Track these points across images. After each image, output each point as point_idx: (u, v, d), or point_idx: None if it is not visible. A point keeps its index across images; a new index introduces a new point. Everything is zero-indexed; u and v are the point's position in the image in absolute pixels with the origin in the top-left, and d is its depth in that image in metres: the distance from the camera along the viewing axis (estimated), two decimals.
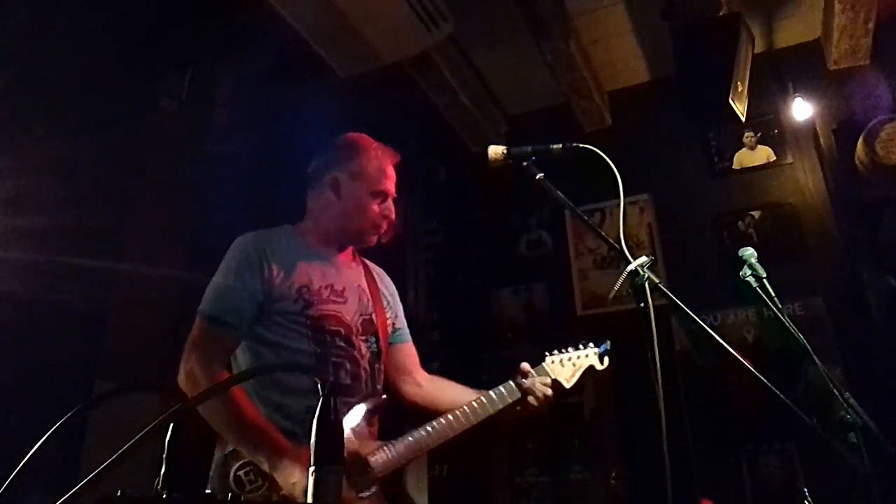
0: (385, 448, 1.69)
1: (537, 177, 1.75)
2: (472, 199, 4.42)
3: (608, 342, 2.03)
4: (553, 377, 1.99)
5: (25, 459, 0.78)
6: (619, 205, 1.63)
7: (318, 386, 0.84)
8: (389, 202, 1.99)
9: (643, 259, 1.51)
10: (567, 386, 1.99)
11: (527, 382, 1.93)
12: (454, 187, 4.56)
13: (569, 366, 2.02)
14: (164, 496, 0.81)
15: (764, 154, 3.83)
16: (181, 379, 1.63)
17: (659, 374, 1.36)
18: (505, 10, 3.41)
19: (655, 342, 1.37)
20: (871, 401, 1.79)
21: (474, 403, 1.84)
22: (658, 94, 4.09)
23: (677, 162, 4.00)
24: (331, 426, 0.81)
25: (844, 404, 1.65)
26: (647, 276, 1.47)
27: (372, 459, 1.64)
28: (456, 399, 1.89)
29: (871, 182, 3.43)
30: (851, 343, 3.24)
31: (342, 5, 2.93)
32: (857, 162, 3.48)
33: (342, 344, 1.79)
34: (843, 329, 3.29)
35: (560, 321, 3.99)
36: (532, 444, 3.80)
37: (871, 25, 3.37)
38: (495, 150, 1.82)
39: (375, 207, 1.93)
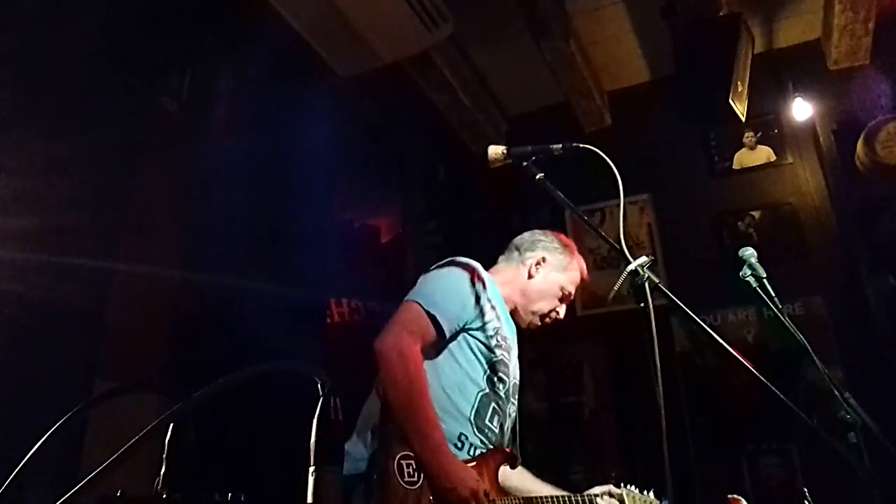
0: (508, 500, 1.75)
1: (537, 177, 1.75)
2: (472, 199, 4.42)
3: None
4: None
5: (25, 459, 0.78)
6: (619, 205, 1.63)
7: (319, 386, 0.83)
8: (566, 305, 2.11)
9: (643, 259, 1.50)
10: None
11: None
12: (454, 187, 4.56)
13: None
14: (164, 496, 0.81)
15: (764, 154, 3.83)
16: (384, 347, 1.68)
17: (659, 374, 1.36)
18: (505, 10, 3.42)
19: (655, 342, 1.37)
20: (871, 401, 1.79)
21: (567, 499, 1.89)
22: (658, 94, 4.09)
23: (677, 162, 4.01)
24: (331, 426, 0.81)
25: (844, 404, 1.65)
26: (647, 276, 1.46)
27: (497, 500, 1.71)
28: (534, 488, 1.92)
29: (871, 182, 3.43)
30: (851, 343, 3.24)
31: (342, 5, 2.93)
32: (857, 162, 3.48)
33: (502, 394, 1.89)
34: (843, 329, 3.29)
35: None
36: (532, 444, 3.80)
37: (871, 25, 3.37)
38: (495, 150, 1.81)
39: (557, 302, 2.07)
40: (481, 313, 1.87)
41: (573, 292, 2.11)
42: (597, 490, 1.94)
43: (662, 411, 1.33)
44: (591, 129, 4.19)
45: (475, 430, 1.79)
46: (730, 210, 3.79)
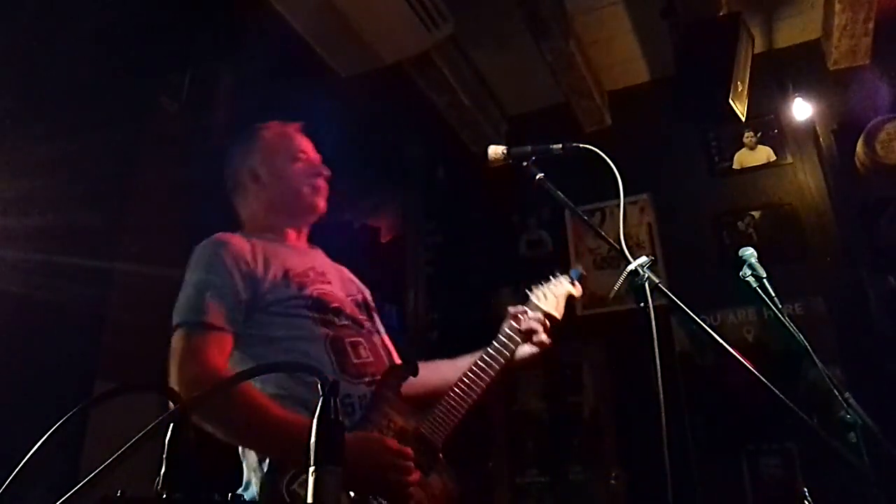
0: (428, 418, 1.56)
1: (537, 177, 1.75)
2: (472, 199, 4.42)
3: (579, 267, 2.11)
4: (546, 310, 1.92)
5: (25, 459, 0.78)
6: (619, 205, 1.63)
7: (319, 386, 0.83)
8: (311, 161, 1.86)
9: (643, 259, 1.51)
10: (558, 316, 1.93)
11: (524, 323, 1.84)
12: (454, 187, 4.56)
13: (551, 297, 1.97)
14: (164, 496, 0.81)
15: (764, 154, 3.83)
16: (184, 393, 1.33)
17: (659, 374, 1.36)
18: (505, 10, 3.42)
19: (655, 342, 1.37)
20: (871, 401, 1.79)
21: (480, 362, 1.72)
22: (658, 94, 4.09)
23: (677, 162, 4.01)
24: (331, 426, 0.81)
25: (844, 404, 1.65)
26: (647, 276, 1.47)
27: (423, 431, 1.52)
28: (449, 372, 1.74)
29: (871, 182, 3.43)
30: (851, 343, 3.24)
31: (342, 5, 2.93)
32: (857, 162, 3.48)
33: (348, 322, 1.64)
34: (843, 329, 3.29)
35: (560, 321, 3.99)
36: (532, 444, 3.80)
37: (871, 25, 3.37)
38: (495, 150, 1.82)
39: (299, 168, 1.82)
40: (259, 276, 1.56)
41: (298, 147, 1.87)
42: (502, 328, 1.84)
43: (662, 411, 1.34)
44: (591, 129, 4.19)
45: (351, 378, 1.52)
46: (730, 210, 3.79)
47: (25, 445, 0.81)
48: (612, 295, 1.86)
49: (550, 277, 2.04)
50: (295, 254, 1.74)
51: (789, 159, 3.76)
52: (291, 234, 1.83)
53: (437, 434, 1.55)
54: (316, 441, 0.80)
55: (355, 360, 1.56)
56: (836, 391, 1.67)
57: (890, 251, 3.28)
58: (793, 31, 3.82)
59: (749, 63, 3.15)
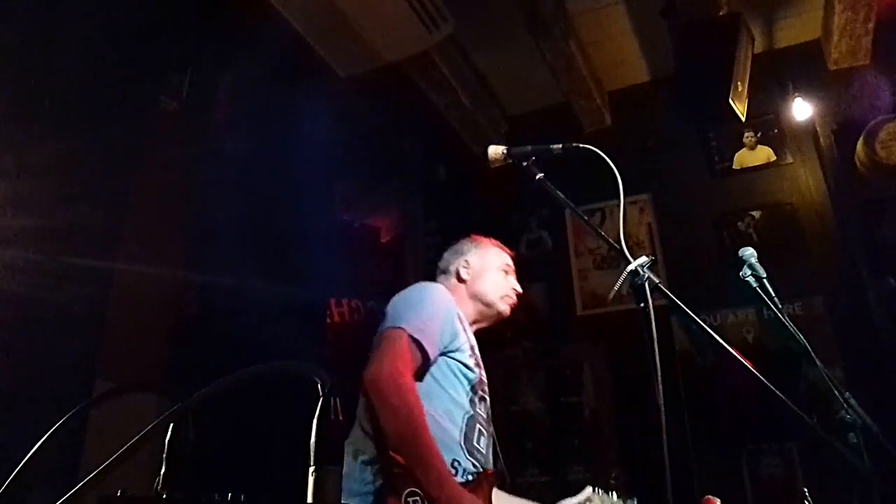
0: None
1: (537, 177, 1.75)
2: (472, 199, 4.42)
3: (635, 501, 2.05)
4: None
5: (25, 459, 0.78)
6: (619, 205, 1.63)
7: (319, 386, 0.83)
8: (513, 277, 2.14)
9: (643, 259, 1.51)
10: None
11: None
12: (454, 187, 4.56)
13: None
14: (164, 496, 0.81)
15: (764, 154, 3.83)
16: (380, 378, 1.62)
17: (659, 374, 1.36)
18: (505, 10, 3.42)
19: (655, 342, 1.37)
20: (871, 401, 1.79)
21: None
22: (658, 94, 4.09)
23: (677, 162, 4.01)
24: (331, 426, 0.81)
25: (844, 404, 1.65)
26: (647, 276, 1.47)
27: None
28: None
29: (871, 182, 3.43)
30: (851, 343, 3.24)
31: (342, 5, 2.93)
32: (857, 162, 3.48)
33: (484, 413, 1.89)
34: (843, 329, 3.29)
35: (560, 321, 4.00)
36: (532, 444, 3.80)
37: (871, 25, 3.37)
38: (495, 150, 1.82)
39: (501, 277, 2.10)
40: (458, 334, 1.86)
41: (509, 262, 2.16)
42: (576, 499, 1.95)
43: (662, 411, 1.33)
44: (591, 129, 4.19)
45: (466, 454, 1.76)
46: (730, 210, 3.79)
47: (25, 445, 0.81)
48: (612, 295, 1.86)
49: (617, 496, 2.07)
50: (473, 337, 2.01)
51: (789, 159, 3.76)
52: (473, 327, 2.07)
53: None
54: (316, 441, 0.80)
55: (475, 444, 1.80)
56: (836, 391, 1.67)
57: (890, 251, 3.28)
58: (793, 31, 3.82)
59: (749, 63, 3.16)
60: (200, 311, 2.99)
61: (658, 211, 3.95)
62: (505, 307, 2.07)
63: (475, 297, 2.06)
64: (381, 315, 1.93)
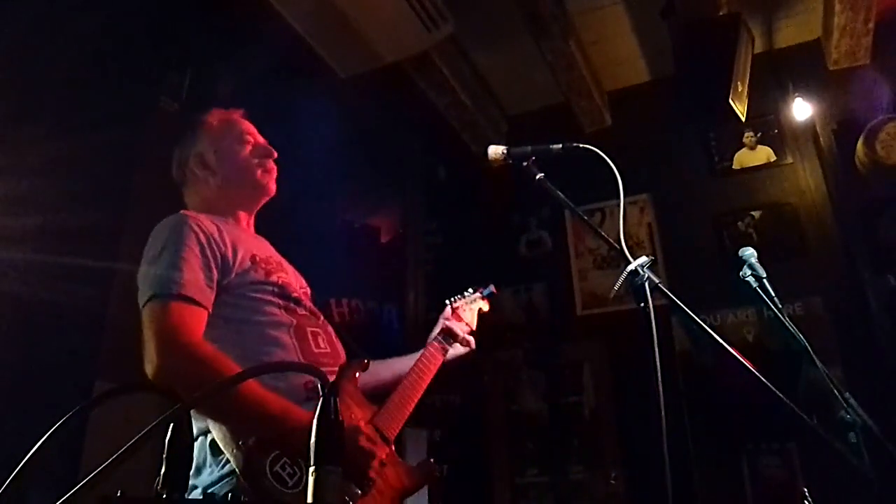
0: (381, 412, 1.60)
1: (537, 177, 1.75)
2: (472, 199, 4.43)
3: (492, 286, 2.22)
4: (466, 320, 2.09)
5: (25, 459, 0.78)
6: (619, 205, 1.63)
7: (319, 386, 0.84)
8: (258, 143, 1.86)
9: (643, 259, 1.51)
10: (473, 327, 2.10)
11: (456, 328, 2.00)
12: (454, 187, 4.56)
13: (468, 311, 2.12)
14: (164, 496, 0.81)
15: (764, 154, 3.83)
16: (164, 371, 1.34)
17: (659, 374, 1.36)
18: (505, 10, 3.42)
19: (655, 342, 1.37)
20: (871, 401, 1.79)
21: (424, 360, 1.85)
22: (658, 94, 4.10)
23: (677, 162, 4.01)
24: (331, 426, 0.81)
25: (844, 404, 1.65)
26: (647, 276, 1.47)
27: (378, 424, 1.56)
28: (397, 367, 1.85)
29: (871, 182, 3.43)
30: (851, 343, 3.24)
31: (342, 5, 2.93)
32: (857, 162, 3.48)
33: (306, 312, 1.65)
34: (843, 329, 3.29)
35: (560, 321, 4.00)
36: (532, 444, 3.80)
37: (871, 25, 3.37)
38: (495, 150, 1.82)
39: (247, 150, 1.81)
40: (224, 257, 1.55)
41: (241, 129, 1.86)
42: (432, 336, 1.98)
43: (662, 411, 1.34)
44: (591, 129, 4.19)
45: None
46: (730, 210, 3.79)
47: (25, 445, 0.81)
48: (612, 295, 1.86)
49: (466, 293, 2.18)
50: (253, 239, 1.76)
51: (789, 159, 3.76)
52: (243, 217, 1.82)
53: (391, 427, 1.59)
54: (316, 441, 0.80)
55: (315, 350, 1.58)
56: (836, 391, 1.67)
57: (890, 251, 3.28)
58: (793, 31, 3.82)
59: (749, 63, 3.16)
60: None
61: (658, 211, 3.95)
62: (264, 182, 1.82)
63: (228, 188, 1.77)
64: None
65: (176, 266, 1.45)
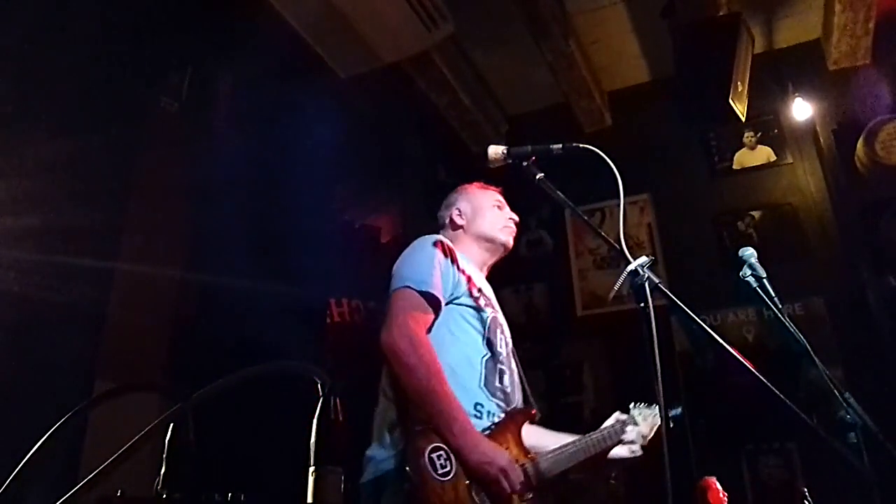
0: (537, 459, 1.77)
1: (537, 177, 1.75)
2: None
3: (680, 409, 2.15)
4: (644, 433, 2.06)
5: (25, 459, 0.78)
6: (619, 205, 1.63)
7: (319, 386, 0.84)
8: (507, 208, 2.17)
9: (643, 259, 1.51)
10: (646, 442, 2.05)
11: (628, 435, 2.02)
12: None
13: (645, 424, 2.09)
14: (164, 496, 0.81)
15: (764, 154, 3.83)
16: (394, 340, 1.65)
17: (659, 374, 1.36)
18: (505, 10, 3.42)
19: (655, 342, 1.37)
20: (871, 401, 1.79)
21: (586, 442, 1.93)
22: (658, 94, 4.09)
23: (677, 162, 4.01)
24: (331, 426, 0.81)
25: (844, 404, 1.65)
26: (647, 276, 1.47)
27: (527, 468, 1.72)
28: (548, 440, 1.93)
29: (871, 182, 3.43)
30: (851, 343, 3.24)
31: (342, 5, 2.93)
32: (857, 162, 3.48)
33: (503, 352, 1.89)
34: (843, 329, 3.29)
35: (560, 321, 3.99)
36: None
37: (871, 25, 3.37)
38: (495, 150, 1.82)
39: (496, 211, 2.13)
40: (461, 278, 1.86)
41: (498, 197, 2.19)
42: (608, 422, 2.03)
43: (662, 411, 1.34)
44: (591, 129, 4.19)
45: (489, 395, 1.78)
46: (730, 210, 3.79)
47: (25, 445, 0.81)
48: (612, 295, 1.87)
49: (649, 405, 2.13)
50: (482, 279, 2.04)
51: (789, 159, 3.76)
52: (481, 268, 2.10)
53: (541, 476, 1.75)
54: (316, 441, 0.80)
55: (497, 384, 1.82)
56: (836, 391, 1.67)
57: (890, 251, 3.28)
58: (793, 31, 3.82)
59: (749, 63, 3.16)
60: (200, 312, 2.99)
61: (658, 211, 3.95)
62: (506, 237, 2.11)
63: (477, 238, 2.09)
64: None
65: (429, 271, 1.79)
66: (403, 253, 1.92)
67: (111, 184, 2.68)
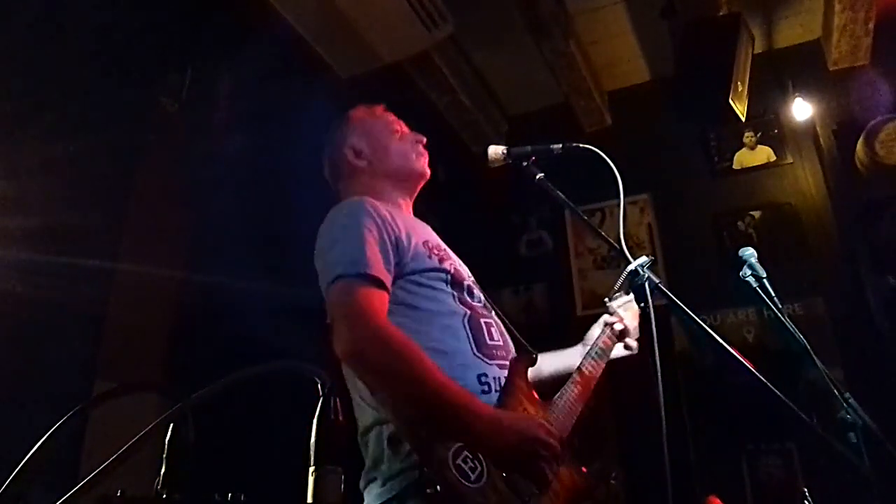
0: (552, 411, 1.53)
1: (537, 177, 1.75)
2: (472, 199, 4.42)
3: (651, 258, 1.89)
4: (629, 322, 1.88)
5: (25, 459, 0.78)
6: (619, 205, 1.63)
7: (319, 386, 0.84)
8: (405, 130, 1.87)
9: (643, 259, 1.51)
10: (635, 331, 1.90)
11: (628, 328, 1.85)
12: (454, 187, 4.56)
13: (629, 312, 1.88)
14: (164, 496, 0.81)
15: (764, 154, 3.83)
16: (354, 348, 1.33)
17: (659, 374, 1.36)
18: (505, 10, 3.42)
19: (655, 342, 1.37)
20: (871, 401, 1.79)
21: (594, 356, 1.72)
22: (658, 94, 4.09)
23: (677, 162, 4.01)
24: (331, 426, 0.81)
25: (844, 404, 1.65)
26: (647, 276, 1.47)
27: (551, 425, 1.45)
28: (560, 363, 1.77)
29: (871, 182, 3.43)
30: (851, 343, 3.24)
31: (342, 5, 2.93)
32: (857, 162, 3.48)
33: (479, 303, 1.60)
34: (843, 329, 3.29)
35: (560, 321, 3.99)
36: None
37: (871, 25, 3.37)
38: (495, 150, 1.82)
39: (395, 139, 1.82)
40: (399, 239, 1.52)
41: (393, 118, 1.88)
42: (596, 332, 1.84)
43: (662, 411, 1.34)
44: (591, 129, 4.19)
45: (486, 360, 1.47)
46: (730, 210, 3.79)
47: (25, 445, 0.81)
48: (612, 295, 1.86)
49: (622, 293, 1.90)
50: (421, 226, 1.71)
51: (789, 159, 3.76)
52: (403, 204, 1.80)
53: (564, 426, 1.52)
54: (316, 441, 0.80)
55: (489, 342, 1.52)
56: (836, 391, 1.67)
57: (890, 251, 3.28)
58: (793, 31, 3.82)
59: (749, 63, 3.16)
60: (200, 311, 2.99)
61: (658, 211, 3.95)
62: (423, 166, 1.81)
63: (387, 176, 1.76)
64: None
65: (359, 247, 1.42)
66: (319, 230, 1.55)
67: (111, 184, 2.68)
